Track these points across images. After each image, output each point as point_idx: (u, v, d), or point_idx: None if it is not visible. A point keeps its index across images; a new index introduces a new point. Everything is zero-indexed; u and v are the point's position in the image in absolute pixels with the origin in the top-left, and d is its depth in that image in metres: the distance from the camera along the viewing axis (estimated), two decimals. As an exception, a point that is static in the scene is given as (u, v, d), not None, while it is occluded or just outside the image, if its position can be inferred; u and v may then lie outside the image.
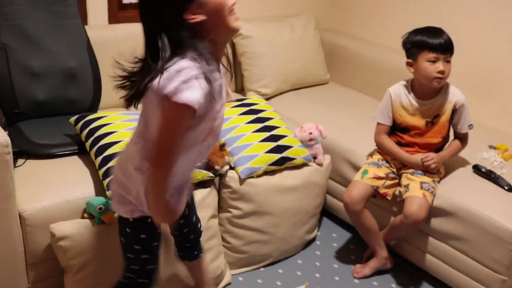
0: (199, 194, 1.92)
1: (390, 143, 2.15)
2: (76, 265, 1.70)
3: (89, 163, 1.90)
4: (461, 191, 2.05)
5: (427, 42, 1.99)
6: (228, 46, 2.72)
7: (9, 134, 1.61)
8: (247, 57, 2.77)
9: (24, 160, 1.86)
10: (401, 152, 2.11)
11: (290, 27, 2.94)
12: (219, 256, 2.04)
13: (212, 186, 2.00)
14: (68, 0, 2.18)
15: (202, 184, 1.98)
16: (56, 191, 1.75)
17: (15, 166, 1.77)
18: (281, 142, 2.14)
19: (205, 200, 1.93)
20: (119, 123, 1.95)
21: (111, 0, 2.54)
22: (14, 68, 2.04)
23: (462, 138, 2.14)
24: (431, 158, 2.05)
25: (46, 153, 1.91)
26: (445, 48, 1.98)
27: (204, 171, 1.94)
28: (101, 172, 1.79)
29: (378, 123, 2.18)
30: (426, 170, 2.07)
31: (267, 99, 2.71)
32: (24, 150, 1.88)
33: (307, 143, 2.24)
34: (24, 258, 1.70)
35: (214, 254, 2.00)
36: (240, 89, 2.92)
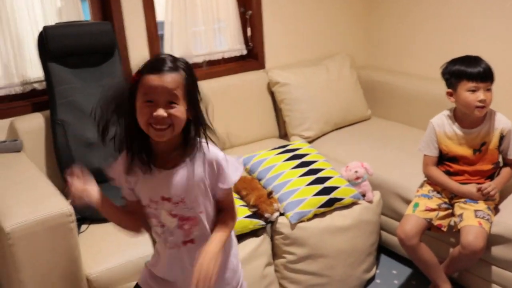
0: (252, 243, 1.96)
1: (439, 174, 2.13)
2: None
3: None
4: (519, 216, 1.99)
5: (466, 72, 1.99)
6: (266, 93, 2.87)
7: (71, 202, 1.74)
8: (286, 103, 2.85)
9: (87, 225, 1.99)
10: (452, 183, 2.09)
11: (326, 69, 3.01)
12: (278, 304, 2.05)
13: (265, 234, 2.04)
14: (114, 73, 2.35)
15: (254, 233, 2.02)
16: (118, 252, 1.84)
17: (79, 232, 1.89)
18: (328, 184, 2.16)
19: (258, 249, 1.98)
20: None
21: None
22: (72, 140, 2.21)
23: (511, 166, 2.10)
24: (489, 185, 2.01)
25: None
26: (485, 77, 1.97)
27: (255, 220, 1.99)
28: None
29: (425, 155, 2.17)
30: (483, 199, 2.03)
31: (310, 142, 2.76)
32: (86, 216, 2.00)
33: (354, 181, 2.26)
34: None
35: (273, 302, 2.02)
36: (284, 134, 2.99)
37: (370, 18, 3.38)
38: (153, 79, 1.21)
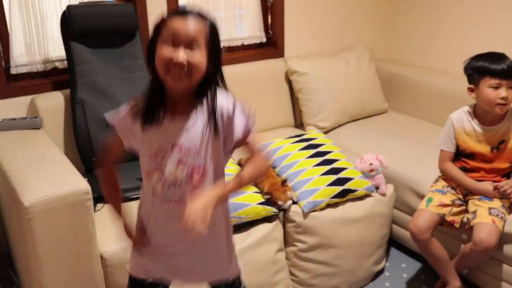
0: (265, 228, 1.99)
1: (455, 170, 2.12)
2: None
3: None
4: (533, 215, 1.98)
5: (489, 68, 1.97)
6: (284, 82, 2.88)
7: (88, 181, 1.76)
8: (304, 93, 2.85)
9: (102, 204, 2.02)
10: (467, 179, 2.08)
11: (345, 60, 3.00)
12: (287, 290, 2.08)
13: (277, 220, 2.06)
14: (135, 55, 2.37)
15: (267, 219, 2.04)
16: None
17: (95, 211, 1.92)
18: (342, 175, 2.17)
19: (271, 234, 2.00)
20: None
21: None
22: (90, 120, 2.24)
23: None
24: (506, 183, 2.00)
25: (122, 197, 2.05)
26: (508, 74, 1.95)
27: (268, 207, 2.01)
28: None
29: (442, 150, 2.16)
30: (498, 197, 2.02)
31: (326, 132, 2.76)
32: (102, 195, 2.03)
33: (368, 174, 2.26)
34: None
35: (282, 288, 2.04)
36: (299, 124, 3.00)
37: (391, 11, 3.35)
38: (177, 21, 1.19)
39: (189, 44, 1.18)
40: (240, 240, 1.94)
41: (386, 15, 3.37)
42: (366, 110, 3.01)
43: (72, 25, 2.19)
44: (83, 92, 2.23)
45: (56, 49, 2.40)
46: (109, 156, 1.39)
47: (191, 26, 1.19)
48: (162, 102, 1.26)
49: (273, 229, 2.01)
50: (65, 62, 2.36)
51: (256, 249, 1.96)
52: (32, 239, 1.61)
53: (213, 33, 1.22)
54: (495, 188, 2.01)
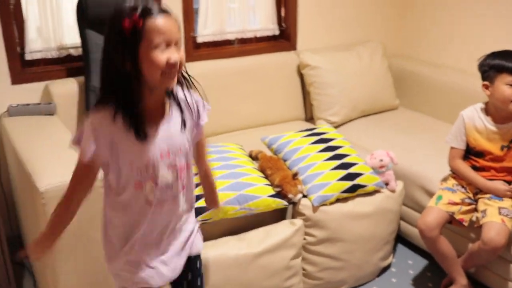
0: (285, 232, 1.99)
1: (465, 168, 2.12)
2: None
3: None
4: (543, 216, 1.98)
5: (506, 65, 1.98)
6: (296, 75, 2.88)
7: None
8: (315, 86, 2.85)
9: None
10: (478, 178, 2.08)
11: (357, 55, 2.99)
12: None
13: (299, 225, 2.03)
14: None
15: (282, 215, 2.04)
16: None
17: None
18: (352, 170, 2.17)
19: (290, 240, 2.00)
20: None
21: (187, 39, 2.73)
22: (103, 108, 2.25)
23: None
24: None
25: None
26: None
27: (278, 200, 2.02)
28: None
29: (452, 147, 2.16)
30: (509, 196, 2.02)
31: (336, 127, 2.77)
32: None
33: (378, 170, 2.26)
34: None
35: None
36: (309, 118, 3.00)
37: (406, 6, 3.34)
38: (162, 21, 1.14)
39: (176, 42, 1.18)
40: (258, 241, 1.95)
41: (400, 10, 3.35)
42: (376, 106, 3.01)
43: (87, 12, 2.20)
44: (97, 80, 2.23)
45: (71, 36, 2.41)
46: (84, 189, 1.32)
47: (174, 24, 1.18)
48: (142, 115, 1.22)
49: (293, 234, 2.00)
50: (80, 49, 2.37)
51: (272, 254, 1.96)
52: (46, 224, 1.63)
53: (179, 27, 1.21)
54: (510, 190, 2.01)
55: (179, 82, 1.27)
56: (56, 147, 1.89)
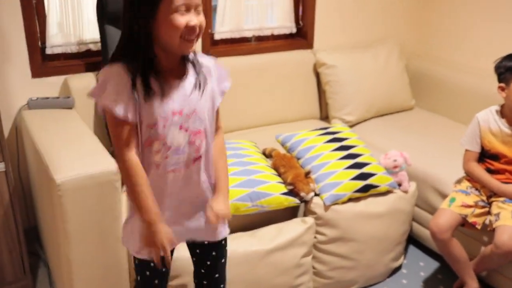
0: (297, 230, 2.00)
1: (480, 171, 2.11)
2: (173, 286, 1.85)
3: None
4: (558, 222, 1.96)
5: None
6: (312, 74, 2.87)
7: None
8: (331, 85, 2.85)
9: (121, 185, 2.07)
10: (492, 181, 2.07)
11: (374, 55, 2.98)
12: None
13: (311, 223, 2.05)
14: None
15: (294, 213, 2.06)
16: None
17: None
18: (365, 170, 2.18)
19: (301, 238, 2.01)
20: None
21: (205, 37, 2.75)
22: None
23: None
24: None
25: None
26: None
27: (290, 198, 2.04)
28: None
29: (467, 150, 2.15)
30: None
31: (351, 126, 2.77)
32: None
33: (392, 170, 2.26)
34: (128, 276, 1.88)
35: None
36: (325, 116, 3.00)
37: (424, 5, 3.31)
38: None
39: (196, 7, 1.21)
40: (270, 238, 1.97)
41: (418, 10, 3.33)
42: (392, 106, 3.00)
43: (107, 8, 2.23)
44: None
45: (90, 31, 2.45)
46: (131, 145, 1.28)
47: None
48: (156, 72, 1.25)
49: (305, 232, 2.02)
50: (99, 44, 2.41)
51: (283, 251, 1.97)
52: (62, 215, 1.67)
53: None
54: None
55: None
56: (73, 140, 1.93)
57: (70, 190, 1.65)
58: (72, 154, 1.79)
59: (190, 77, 1.30)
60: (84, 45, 2.46)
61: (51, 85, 2.37)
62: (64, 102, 2.24)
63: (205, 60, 1.36)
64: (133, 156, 1.27)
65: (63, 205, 1.66)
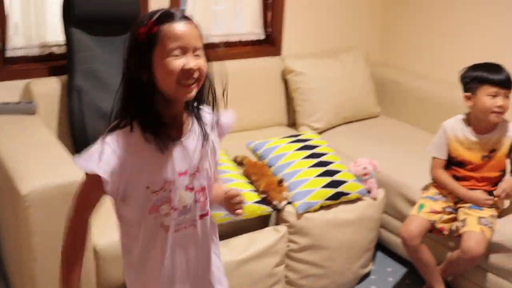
0: (269, 239, 1.99)
1: (447, 178, 2.16)
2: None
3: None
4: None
5: (488, 77, 2.03)
6: (279, 81, 2.87)
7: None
8: (300, 92, 2.86)
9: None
10: (459, 187, 2.12)
11: (340, 62, 3.02)
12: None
13: (284, 232, 2.03)
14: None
15: (265, 222, 2.04)
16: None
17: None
18: (336, 177, 2.19)
19: (274, 247, 2.00)
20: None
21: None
22: (86, 108, 2.21)
23: None
24: (502, 188, 2.03)
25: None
26: (506, 84, 2.02)
27: (263, 206, 2.02)
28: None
29: (434, 157, 2.20)
30: (488, 206, 2.07)
31: (319, 133, 2.78)
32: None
33: (362, 177, 2.28)
34: (96, 291, 1.81)
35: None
36: (292, 123, 3.01)
37: (389, 15, 3.38)
38: (179, 26, 1.10)
39: (195, 50, 1.12)
40: (242, 248, 1.94)
41: (383, 19, 3.40)
42: (358, 113, 3.04)
43: (74, 10, 2.15)
44: (81, 79, 2.20)
45: (54, 34, 2.36)
46: (89, 210, 1.20)
47: (194, 31, 1.12)
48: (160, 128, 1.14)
49: (278, 241, 2.00)
50: (63, 47, 2.32)
51: (256, 261, 1.95)
52: (27, 228, 1.59)
53: (202, 37, 1.16)
54: (497, 196, 2.05)
55: (202, 99, 1.20)
56: (38, 148, 1.85)
57: (37, 201, 1.57)
58: (38, 163, 1.71)
59: (194, 133, 1.21)
60: (47, 48, 2.36)
61: (11, 90, 2.26)
62: (26, 107, 2.15)
63: (207, 112, 1.26)
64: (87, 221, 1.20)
65: (28, 218, 1.58)
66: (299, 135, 2.46)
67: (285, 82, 2.94)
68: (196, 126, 1.22)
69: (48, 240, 1.63)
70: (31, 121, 2.10)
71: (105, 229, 1.80)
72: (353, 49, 3.18)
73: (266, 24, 3.01)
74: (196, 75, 1.12)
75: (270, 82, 2.91)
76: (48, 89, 2.24)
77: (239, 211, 1.32)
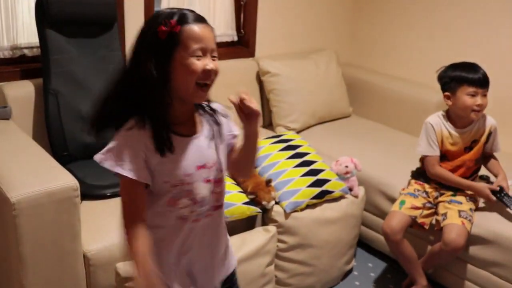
0: (260, 240, 1.98)
1: (448, 173, 2.20)
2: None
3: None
4: (496, 218, 2.13)
5: (467, 77, 2.10)
6: (255, 82, 2.88)
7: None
8: (275, 93, 2.87)
9: (80, 201, 1.92)
10: (462, 180, 2.18)
11: (314, 63, 3.06)
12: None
13: (274, 232, 2.04)
14: (111, 46, 2.28)
15: (252, 222, 2.04)
16: (116, 230, 1.79)
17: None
18: (320, 176, 2.21)
19: (265, 247, 2.00)
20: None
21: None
22: (64, 111, 2.13)
23: (494, 158, 2.26)
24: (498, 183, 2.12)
25: (100, 194, 1.97)
26: (484, 83, 2.10)
27: (252, 207, 2.01)
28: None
29: (428, 156, 2.22)
30: (493, 200, 2.12)
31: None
32: (80, 192, 1.94)
33: (343, 176, 2.32)
34: (85, 297, 1.75)
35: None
36: (268, 124, 3.02)
37: (357, 17, 3.46)
38: (200, 28, 1.12)
39: (212, 52, 1.16)
40: (234, 249, 1.83)
41: (352, 21, 3.48)
42: (333, 113, 3.09)
43: (48, 11, 2.07)
44: (58, 82, 2.12)
45: (25, 36, 2.26)
46: (142, 212, 1.18)
47: (211, 34, 1.16)
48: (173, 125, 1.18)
49: (269, 241, 2.00)
50: (34, 50, 2.24)
51: (248, 262, 1.94)
52: (16, 237, 1.52)
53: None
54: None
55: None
56: (19, 154, 1.77)
57: (26, 208, 1.51)
58: (24, 169, 1.64)
59: (205, 129, 1.24)
60: (18, 50, 2.26)
61: (-19, 94, 2.15)
62: (1, 112, 2.04)
63: (220, 107, 1.31)
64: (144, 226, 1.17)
65: (18, 226, 1.51)
66: (281, 135, 2.48)
67: (260, 83, 2.95)
68: (206, 121, 1.25)
69: (38, 248, 1.57)
70: (7, 126, 2.00)
71: (95, 235, 1.76)
72: (324, 50, 3.23)
73: (239, 26, 3.01)
74: (213, 76, 1.16)
75: (244, 84, 2.91)
76: (22, 92, 2.15)
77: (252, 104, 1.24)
